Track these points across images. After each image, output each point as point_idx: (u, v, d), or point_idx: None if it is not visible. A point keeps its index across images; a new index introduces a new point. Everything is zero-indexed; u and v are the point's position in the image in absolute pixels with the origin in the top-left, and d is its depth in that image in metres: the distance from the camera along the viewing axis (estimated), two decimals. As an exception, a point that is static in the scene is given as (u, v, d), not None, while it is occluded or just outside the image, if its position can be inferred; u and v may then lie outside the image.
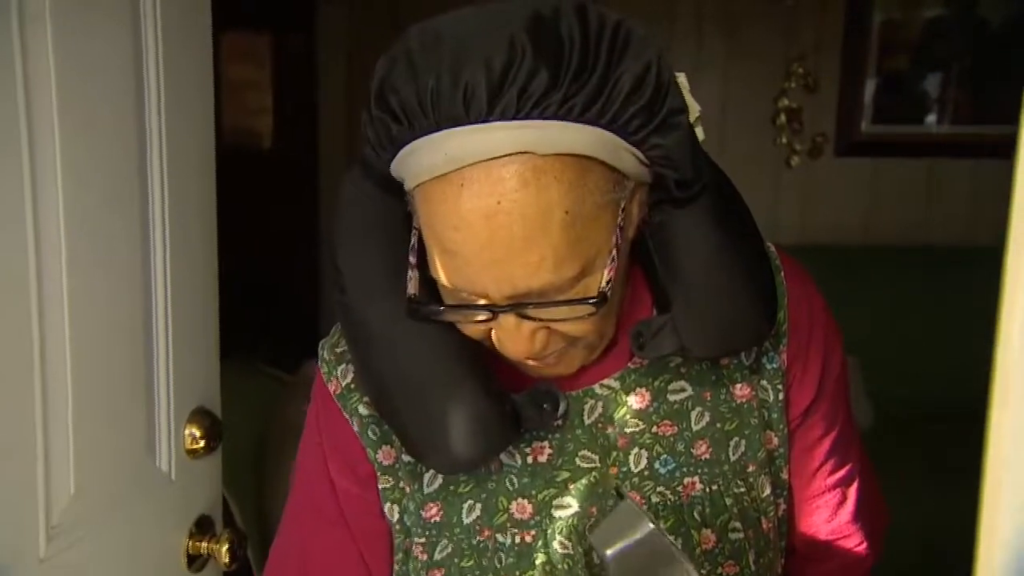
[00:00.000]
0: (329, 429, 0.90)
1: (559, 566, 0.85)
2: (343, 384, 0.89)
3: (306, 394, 0.96)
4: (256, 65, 3.42)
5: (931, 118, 3.30)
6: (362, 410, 0.88)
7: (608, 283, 0.73)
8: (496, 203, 0.68)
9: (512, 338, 0.75)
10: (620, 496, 0.77)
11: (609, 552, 0.72)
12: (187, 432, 1.16)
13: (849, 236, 3.32)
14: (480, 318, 0.75)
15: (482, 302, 0.73)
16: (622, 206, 0.74)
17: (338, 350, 0.90)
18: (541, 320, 0.74)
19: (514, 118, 0.66)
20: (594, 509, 0.85)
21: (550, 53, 0.66)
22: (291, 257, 3.43)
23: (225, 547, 1.18)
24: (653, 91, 0.69)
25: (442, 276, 0.74)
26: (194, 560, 1.19)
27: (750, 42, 3.28)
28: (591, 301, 0.73)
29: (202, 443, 1.17)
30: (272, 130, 3.51)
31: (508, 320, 0.74)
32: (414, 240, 0.77)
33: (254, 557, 1.67)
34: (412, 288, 0.76)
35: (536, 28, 0.67)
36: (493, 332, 0.76)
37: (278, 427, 1.72)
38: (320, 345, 0.93)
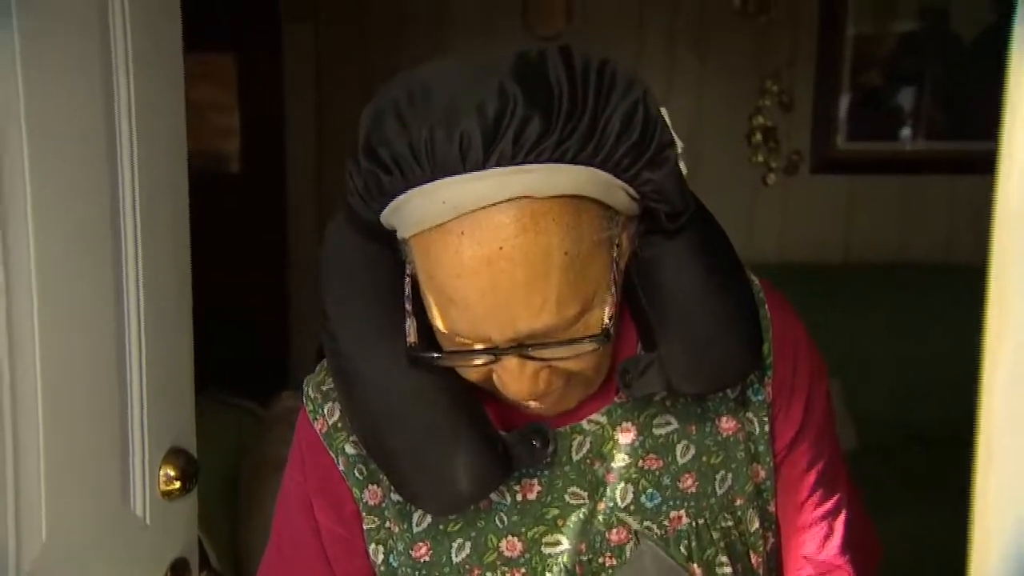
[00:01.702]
0: (314, 469, 0.90)
1: None
2: (330, 423, 0.89)
3: (281, 427, 0.96)
4: (221, 86, 3.40)
5: (906, 132, 3.34)
6: (348, 449, 0.88)
7: (611, 319, 0.75)
8: (498, 249, 0.69)
9: (515, 379, 0.76)
10: (638, 540, 0.77)
11: None
12: (162, 473, 1.15)
13: (827, 254, 3.34)
14: (481, 361, 0.76)
15: (481, 346, 0.74)
16: (616, 241, 0.76)
17: (324, 388, 0.90)
18: (544, 359, 0.76)
19: (510, 164, 0.68)
20: (583, 546, 0.86)
21: (540, 98, 0.68)
22: (260, 284, 3.40)
23: (202, 591, 1.17)
24: (642, 128, 0.71)
25: (442, 323, 0.75)
26: (170, 605, 1.17)
27: (723, 60, 3.31)
28: (595, 338, 0.74)
29: (177, 484, 1.16)
30: (239, 152, 3.49)
31: (511, 362, 0.75)
32: (408, 289, 0.79)
33: (229, 597, 1.65)
34: (412, 336, 0.78)
35: (524, 75, 0.69)
36: (495, 374, 0.77)
37: (252, 461, 1.70)
38: (305, 382, 0.93)
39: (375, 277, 0.82)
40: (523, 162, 0.68)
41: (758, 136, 3.33)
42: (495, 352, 0.74)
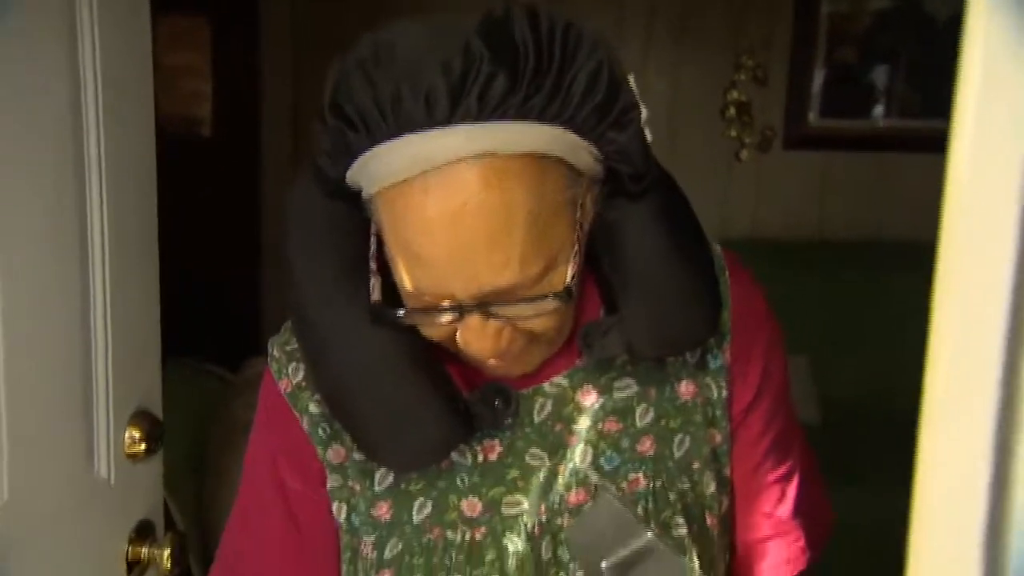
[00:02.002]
0: (279, 429, 0.91)
1: (509, 563, 0.87)
2: (294, 382, 0.90)
3: (250, 392, 0.96)
4: (194, 50, 3.36)
5: (879, 110, 3.37)
6: (312, 408, 0.89)
7: (573, 278, 0.76)
8: (462, 204, 0.70)
9: (478, 337, 0.77)
10: (597, 493, 0.79)
11: (580, 540, 0.75)
12: (127, 435, 1.15)
13: (800, 230, 3.37)
14: (445, 319, 0.77)
15: (446, 303, 0.75)
16: (580, 202, 0.77)
17: (288, 348, 0.91)
18: (507, 318, 0.77)
19: (475, 121, 0.69)
20: (543, 507, 0.87)
21: (506, 56, 0.69)
22: (231, 250, 3.38)
23: (167, 551, 1.17)
24: (607, 88, 0.72)
25: (407, 280, 0.76)
26: (134, 567, 1.18)
27: (700, 35, 3.31)
28: (557, 296, 0.76)
29: (142, 446, 1.16)
30: (212, 116, 3.45)
31: (474, 320, 0.76)
32: (373, 247, 0.80)
33: (195, 560, 1.65)
34: (376, 294, 0.79)
35: (490, 32, 0.69)
36: (458, 333, 0.78)
37: (221, 426, 1.70)
38: (269, 343, 0.94)
39: (340, 236, 0.83)
40: (488, 119, 0.69)
41: (732, 111, 3.34)
42: (459, 310, 0.75)
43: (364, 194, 0.77)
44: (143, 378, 1.19)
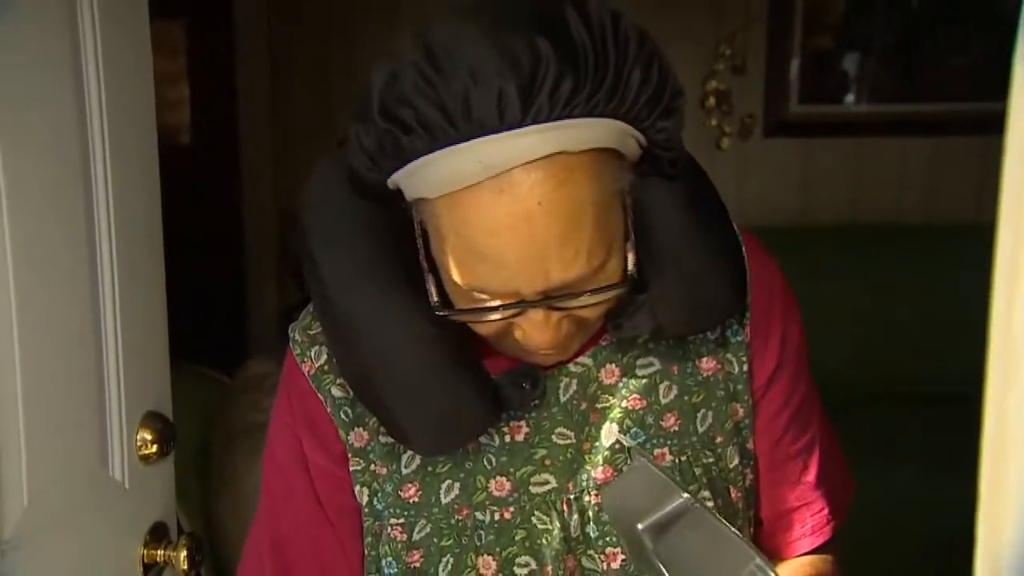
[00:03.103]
0: (302, 409, 0.92)
1: (539, 542, 0.88)
2: (317, 365, 0.91)
3: (248, 395, 0.97)
4: (170, 55, 3.35)
5: (855, 96, 3.40)
6: (335, 392, 0.90)
7: (634, 265, 0.78)
8: (536, 204, 0.71)
9: (540, 330, 0.78)
10: (631, 457, 0.80)
11: (615, 503, 0.76)
12: (139, 437, 1.15)
13: (783, 217, 3.40)
14: (509, 314, 0.78)
15: (510, 300, 0.76)
16: (626, 189, 0.78)
17: (311, 332, 0.92)
18: (569, 309, 0.78)
19: (546, 120, 0.69)
20: (570, 485, 0.89)
21: (569, 54, 0.69)
22: (215, 255, 3.37)
23: (183, 553, 1.18)
24: (659, 78, 0.74)
25: (468, 279, 0.76)
26: (150, 569, 1.18)
27: (679, 24, 3.33)
28: (618, 285, 0.77)
29: (155, 448, 1.16)
30: (190, 123, 3.44)
31: (537, 314, 0.77)
32: (422, 248, 0.80)
33: (204, 564, 1.65)
34: (434, 295, 0.80)
35: (550, 30, 0.69)
36: (517, 327, 0.79)
37: (222, 431, 1.70)
38: (290, 328, 0.94)
39: (363, 226, 0.83)
40: (559, 118, 0.69)
41: (711, 100, 3.36)
42: (525, 305, 0.76)
43: (411, 196, 0.77)
44: (153, 380, 1.19)
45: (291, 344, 0.94)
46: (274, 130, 3.57)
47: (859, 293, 3.10)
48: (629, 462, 0.80)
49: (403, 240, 0.82)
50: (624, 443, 0.88)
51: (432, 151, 0.71)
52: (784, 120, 3.39)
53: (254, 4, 3.49)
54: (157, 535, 1.19)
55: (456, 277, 0.77)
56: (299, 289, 3.39)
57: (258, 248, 3.59)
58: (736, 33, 3.33)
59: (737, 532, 0.72)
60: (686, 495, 0.72)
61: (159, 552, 1.18)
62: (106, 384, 1.09)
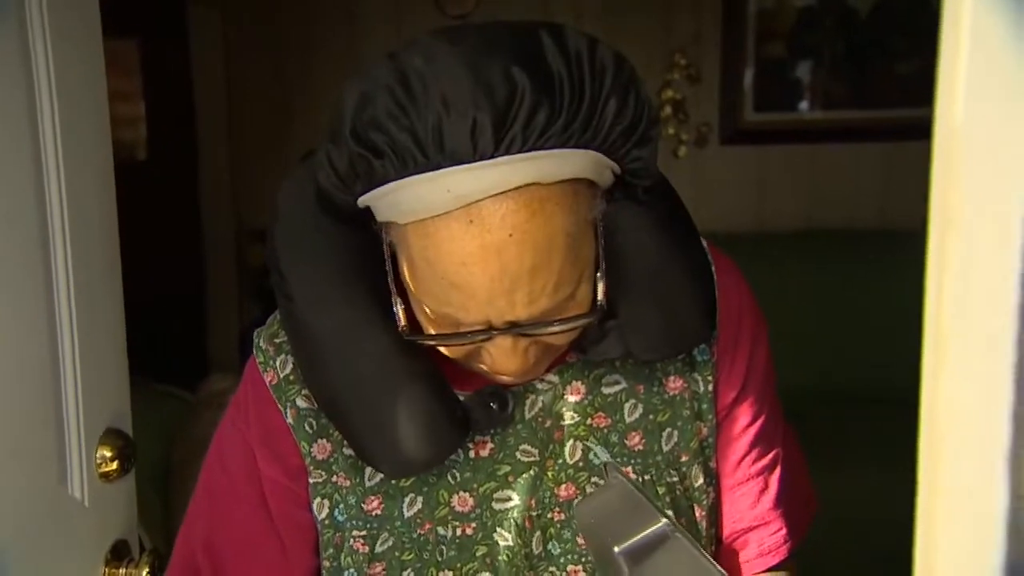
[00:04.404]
0: (259, 419, 0.91)
1: (500, 558, 0.88)
2: (281, 375, 0.90)
3: (210, 410, 0.96)
4: (124, 73, 3.32)
5: (808, 103, 3.46)
6: (300, 403, 0.89)
7: (603, 294, 0.77)
8: (507, 236, 0.69)
9: (507, 356, 0.77)
10: (607, 472, 0.79)
11: (588, 518, 0.75)
12: (98, 454, 1.14)
13: (739, 223, 3.44)
14: (477, 340, 0.77)
15: (478, 327, 0.75)
16: (598, 217, 0.77)
17: (277, 340, 0.91)
18: (536, 335, 0.77)
19: (520, 151, 0.68)
20: (533, 502, 0.88)
21: (545, 84, 0.68)
22: (174, 271, 3.34)
23: (145, 571, 1.16)
24: (635, 108, 0.73)
25: (438, 307, 0.75)
26: (111, 588, 1.16)
27: (633, 34, 3.37)
28: (587, 316, 0.77)
29: (115, 465, 1.15)
30: (146, 140, 3.42)
31: (505, 341, 0.76)
32: (390, 271, 0.79)
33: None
34: (402, 321, 0.79)
35: (526, 59, 0.68)
36: (486, 352, 0.78)
37: (183, 446, 1.69)
38: (256, 333, 0.93)
39: (332, 245, 0.83)
40: (532, 148, 0.68)
41: (668, 110, 3.40)
42: (492, 333, 0.75)
43: (382, 219, 0.75)
44: (112, 397, 1.17)
45: (255, 351, 0.92)
46: (232, 146, 3.55)
47: (814, 298, 3.14)
48: (605, 478, 0.79)
49: (371, 260, 0.81)
50: (600, 457, 0.88)
51: (403, 177, 0.70)
52: (739, 128, 3.44)
53: (209, 22, 3.48)
54: (119, 553, 1.18)
55: (425, 302, 0.76)
56: (258, 306, 3.37)
57: (217, 264, 3.57)
58: (690, 43, 3.38)
59: (715, 563, 0.70)
60: (664, 520, 0.70)
61: (121, 571, 1.16)
62: (64, 401, 1.08)
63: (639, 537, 0.70)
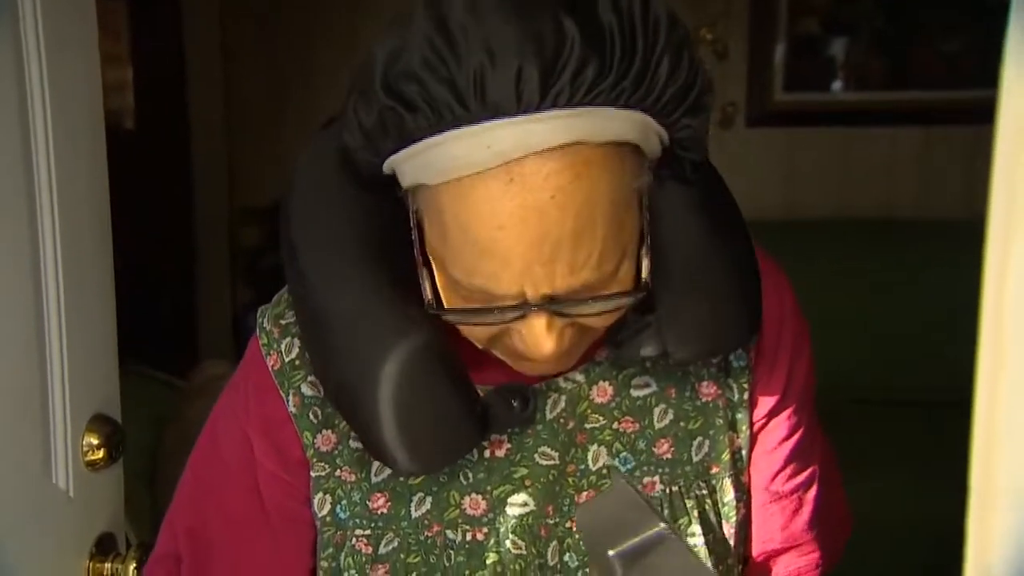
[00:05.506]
0: (259, 407, 0.90)
1: (510, 567, 0.86)
2: (286, 360, 0.89)
3: (204, 398, 0.96)
4: (109, 36, 3.31)
5: (842, 84, 3.44)
6: (305, 390, 0.88)
7: (649, 272, 0.75)
8: (550, 198, 0.68)
9: (541, 338, 0.74)
10: (611, 474, 0.79)
11: (588, 523, 0.76)
12: (85, 442, 1.14)
13: (766, 212, 3.42)
14: (508, 317, 0.75)
15: (512, 302, 0.73)
16: (644, 190, 0.76)
17: (283, 321, 0.89)
18: (574, 316, 0.75)
19: (566, 107, 0.67)
20: (551, 508, 0.87)
21: (596, 37, 0.67)
22: (164, 250, 3.35)
23: (132, 566, 1.17)
24: (688, 72, 0.72)
25: (469, 277, 0.73)
26: (96, 583, 1.17)
27: (656, 6, 3.35)
28: (630, 293, 0.75)
29: (102, 453, 1.15)
30: (133, 109, 3.41)
31: (540, 320, 0.74)
32: (417, 240, 0.77)
33: None
34: (428, 293, 0.77)
35: (577, 10, 0.67)
36: (516, 332, 0.76)
37: (172, 438, 1.69)
38: (260, 312, 0.92)
39: (353, 214, 0.81)
40: (580, 104, 0.67)
41: (693, 87, 3.38)
42: (525, 308, 0.73)
43: (408, 182, 0.74)
44: (100, 381, 1.18)
45: (258, 332, 0.91)
46: (227, 116, 3.54)
47: (847, 291, 3.13)
48: (609, 482, 0.79)
49: (394, 234, 0.79)
50: (607, 461, 0.87)
51: (437, 133, 0.68)
52: (768, 109, 3.41)
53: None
54: (104, 547, 1.18)
55: (455, 273, 0.74)
56: (250, 289, 3.38)
57: (209, 245, 3.57)
58: (718, 17, 3.36)
59: (711, 569, 0.71)
60: (663, 524, 0.70)
61: (106, 565, 1.17)
62: (49, 385, 1.08)
63: (635, 541, 0.71)
